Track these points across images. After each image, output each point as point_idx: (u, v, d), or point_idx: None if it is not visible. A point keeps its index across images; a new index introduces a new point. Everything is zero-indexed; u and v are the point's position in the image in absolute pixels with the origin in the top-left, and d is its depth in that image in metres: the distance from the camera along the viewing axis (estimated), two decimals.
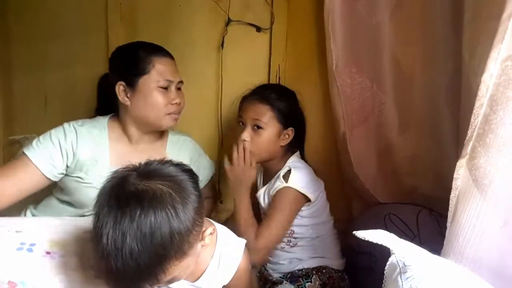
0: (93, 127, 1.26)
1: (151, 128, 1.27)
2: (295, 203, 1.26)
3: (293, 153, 1.37)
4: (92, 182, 1.20)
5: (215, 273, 0.92)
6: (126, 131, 1.27)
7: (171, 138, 1.37)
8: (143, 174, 0.77)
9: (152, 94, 1.19)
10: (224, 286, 0.95)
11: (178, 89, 1.26)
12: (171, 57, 1.25)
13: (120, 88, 1.21)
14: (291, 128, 1.32)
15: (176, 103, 1.22)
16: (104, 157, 1.23)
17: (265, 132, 1.29)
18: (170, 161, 0.82)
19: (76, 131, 1.21)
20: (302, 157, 1.39)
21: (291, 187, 1.25)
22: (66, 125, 1.23)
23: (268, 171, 1.40)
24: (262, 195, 1.35)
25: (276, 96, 1.31)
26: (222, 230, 0.97)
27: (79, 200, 1.22)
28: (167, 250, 0.72)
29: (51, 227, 0.99)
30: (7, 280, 0.79)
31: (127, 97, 1.21)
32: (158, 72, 1.19)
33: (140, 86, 1.19)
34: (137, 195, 0.72)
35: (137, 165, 0.80)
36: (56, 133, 1.20)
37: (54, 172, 1.18)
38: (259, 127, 1.29)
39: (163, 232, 0.71)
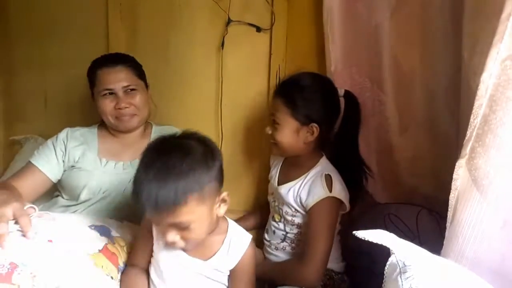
0: (83, 128, 1.44)
1: (115, 129, 1.39)
2: (337, 212, 1.22)
3: (322, 155, 1.30)
4: (81, 166, 1.33)
5: (225, 257, 1.01)
6: (110, 130, 1.43)
7: (155, 129, 1.49)
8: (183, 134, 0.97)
9: (100, 102, 1.34)
10: (230, 270, 1.03)
11: (132, 90, 1.35)
12: (115, 64, 1.34)
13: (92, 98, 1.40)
14: (314, 124, 1.20)
15: (120, 108, 1.33)
16: (93, 148, 1.38)
17: (281, 128, 1.22)
18: None
19: (67, 132, 1.39)
20: (341, 162, 1.30)
21: (335, 197, 1.19)
22: (61, 132, 1.40)
23: (293, 166, 1.32)
24: (287, 190, 1.28)
25: (296, 89, 1.21)
26: (232, 223, 1.06)
27: (71, 185, 1.33)
28: (192, 176, 0.85)
29: (54, 220, 1.04)
30: (9, 261, 0.83)
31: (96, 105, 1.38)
32: (99, 83, 1.34)
33: (95, 95, 1.37)
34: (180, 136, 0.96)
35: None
36: (51, 139, 1.38)
37: (54, 172, 1.33)
38: (276, 122, 1.24)
39: (196, 159, 0.87)
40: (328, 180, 1.21)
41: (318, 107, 1.21)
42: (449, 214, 0.79)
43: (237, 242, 1.02)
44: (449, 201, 0.79)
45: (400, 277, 0.67)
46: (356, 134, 1.31)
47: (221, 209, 0.96)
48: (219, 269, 1.02)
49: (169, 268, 1.02)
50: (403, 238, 0.77)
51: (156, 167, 0.85)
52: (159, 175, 0.84)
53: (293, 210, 1.28)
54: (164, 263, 1.02)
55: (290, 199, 1.27)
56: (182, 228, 0.89)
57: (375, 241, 0.72)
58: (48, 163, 1.32)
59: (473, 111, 0.73)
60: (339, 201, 1.21)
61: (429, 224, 1.26)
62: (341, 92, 1.28)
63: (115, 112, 1.34)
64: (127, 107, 1.34)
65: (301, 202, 1.25)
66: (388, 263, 0.72)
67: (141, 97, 1.37)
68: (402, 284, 0.65)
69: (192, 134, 0.96)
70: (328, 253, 1.19)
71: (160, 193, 0.83)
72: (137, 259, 1.08)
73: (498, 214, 0.73)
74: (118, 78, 1.33)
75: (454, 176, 0.77)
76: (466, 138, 0.75)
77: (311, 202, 1.21)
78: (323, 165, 1.27)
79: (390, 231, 0.78)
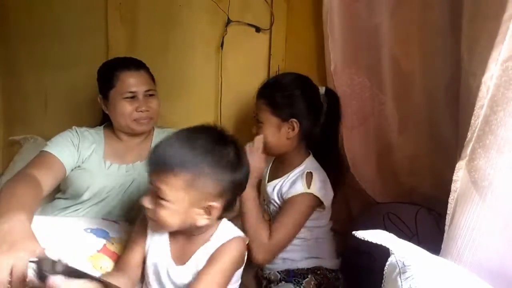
0: (90, 129, 1.45)
1: (127, 131, 1.40)
2: (312, 207, 1.24)
3: (308, 153, 1.33)
4: (86, 167, 1.34)
5: (203, 256, 0.95)
6: (116, 133, 1.44)
7: (157, 131, 1.51)
8: None
9: (119, 104, 1.35)
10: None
11: (150, 95, 1.39)
12: (138, 69, 1.38)
13: (100, 100, 1.41)
14: (293, 120, 1.25)
15: (141, 110, 1.36)
16: (100, 150, 1.40)
17: (264, 127, 1.27)
18: None
19: (78, 132, 1.39)
20: (324, 158, 1.34)
21: (312, 193, 1.22)
22: (69, 129, 1.39)
23: (280, 164, 1.36)
24: (272, 188, 1.32)
25: (273, 87, 1.28)
26: (227, 224, 1.01)
27: (74, 185, 1.32)
28: (200, 161, 0.87)
29: (47, 230, 1.00)
30: None
31: (106, 106, 1.40)
32: (122, 85, 1.35)
33: (111, 98, 1.37)
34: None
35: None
36: (64, 133, 1.37)
37: (71, 164, 1.31)
38: (259, 122, 1.28)
39: (217, 157, 0.89)
40: (309, 177, 1.25)
41: (297, 104, 1.26)
42: (448, 217, 0.78)
43: (221, 235, 0.97)
44: (449, 204, 0.78)
45: (400, 277, 0.67)
46: (336, 130, 1.36)
47: (200, 219, 0.91)
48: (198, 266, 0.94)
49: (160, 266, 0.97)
50: (401, 237, 0.77)
51: (182, 136, 0.90)
52: (178, 140, 0.89)
53: (277, 206, 1.31)
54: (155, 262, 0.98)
55: (274, 195, 1.31)
56: (159, 197, 0.87)
57: (374, 241, 0.72)
58: (69, 155, 1.31)
59: (474, 112, 0.73)
60: (316, 199, 1.23)
61: (427, 223, 1.27)
62: (322, 90, 1.33)
63: (136, 114, 1.36)
64: (147, 111, 1.38)
65: (281, 196, 1.28)
66: (387, 263, 0.72)
67: (157, 102, 1.42)
68: (402, 284, 0.65)
69: (236, 141, 0.97)
70: (286, 244, 1.23)
71: (167, 153, 0.87)
72: (123, 263, 1.00)
73: (497, 217, 0.73)
74: (141, 82, 1.37)
75: (454, 177, 0.76)
76: (467, 139, 0.74)
77: (288, 195, 1.25)
78: (308, 164, 1.30)
79: (389, 230, 0.78)
